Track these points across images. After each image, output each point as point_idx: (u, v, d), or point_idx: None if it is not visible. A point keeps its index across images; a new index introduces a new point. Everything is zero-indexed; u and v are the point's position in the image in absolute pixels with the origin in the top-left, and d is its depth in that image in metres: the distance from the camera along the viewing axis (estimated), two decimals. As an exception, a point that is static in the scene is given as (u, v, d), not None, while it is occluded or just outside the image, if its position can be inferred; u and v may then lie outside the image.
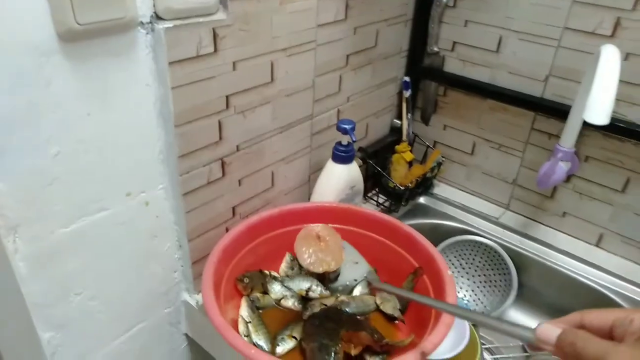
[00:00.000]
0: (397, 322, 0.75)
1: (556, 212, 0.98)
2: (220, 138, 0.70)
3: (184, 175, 0.67)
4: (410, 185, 0.98)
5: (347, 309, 0.75)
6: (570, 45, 0.85)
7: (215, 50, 0.63)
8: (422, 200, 1.09)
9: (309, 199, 0.92)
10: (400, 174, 1.04)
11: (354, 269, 0.78)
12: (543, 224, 1.01)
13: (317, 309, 0.74)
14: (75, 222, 0.60)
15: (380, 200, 1.04)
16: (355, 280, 0.77)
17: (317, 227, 0.79)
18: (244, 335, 0.68)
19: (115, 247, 0.65)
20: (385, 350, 0.68)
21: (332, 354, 0.63)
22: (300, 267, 0.82)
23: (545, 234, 0.99)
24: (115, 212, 0.63)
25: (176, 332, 0.82)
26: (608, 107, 0.62)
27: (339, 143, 0.83)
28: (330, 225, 0.82)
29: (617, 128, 0.83)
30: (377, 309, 0.76)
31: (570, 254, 0.95)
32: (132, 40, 0.56)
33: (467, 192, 1.10)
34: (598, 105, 0.62)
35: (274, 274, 0.80)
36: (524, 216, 1.03)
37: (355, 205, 0.83)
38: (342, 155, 0.82)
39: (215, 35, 0.62)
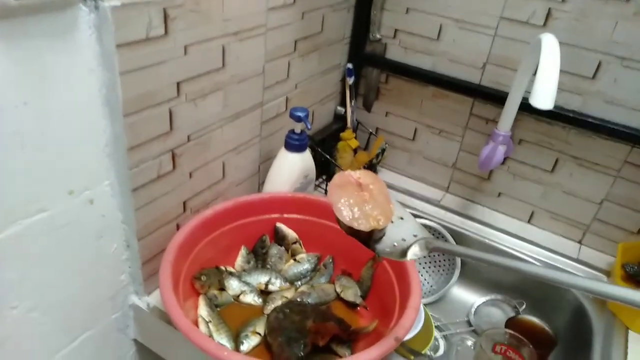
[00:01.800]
0: (358, 308, 0.75)
1: (492, 193, 1.04)
2: (171, 128, 0.65)
3: (134, 169, 0.61)
4: (358, 172, 0.98)
5: (308, 300, 0.74)
6: (506, 34, 0.90)
7: (166, 32, 0.58)
8: (367, 186, 1.11)
9: (258, 189, 0.90)
10: (347, 161, 1.04)
11: (400, 226, 0.58)
12: (480, 205, 1.06)
13: (278, 302, 0.73)
14: (10, 227, 0.52)
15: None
16: (404, 240, 0.56)
17: (357, 173, 0.58)
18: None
19: (56, 251, 0.59)
20: (352, 338, 0.68)
21: (302, 346, 0.62)
22: (257, 260, 0.80)
23: (483, 214, 1.05)
24: (56, 212, 0.57)
25: (124, 338, 0.76)
26: (552, 92, 0.66)
27: (292, 131, 0.81)
28: (286, 215, 0.80)
29: (547, 112, 0.89)
30: (338, 297, 0.76)
31: (506, 231, 1.01)
32: (73, 19, 0.50)
33: (409, 177, 1.13)
34: (543, 91, 0.66)
35: (230, 269, 0.77)
36: (463, 198, 1.08)
37: (310, 194, 0.82)
38: (295, 144, 0.80)
39: (166, 16, 0.57)
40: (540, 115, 0.92)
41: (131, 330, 0.76)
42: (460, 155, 1.04)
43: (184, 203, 0.73)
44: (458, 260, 1.00)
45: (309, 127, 0.78)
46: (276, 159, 0.83)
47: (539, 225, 1.02)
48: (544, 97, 0.66)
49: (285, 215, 0.80)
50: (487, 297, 1.00)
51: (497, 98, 0.92)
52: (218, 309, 0.71)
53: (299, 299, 0.74)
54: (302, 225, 0.80)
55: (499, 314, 0.98)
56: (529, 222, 1.03)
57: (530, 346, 0.75)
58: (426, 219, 1.03)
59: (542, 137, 0.94)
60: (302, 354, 0.62)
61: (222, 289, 0.73)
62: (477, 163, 0.93)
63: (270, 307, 0.72)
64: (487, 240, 1.00)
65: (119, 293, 0.71)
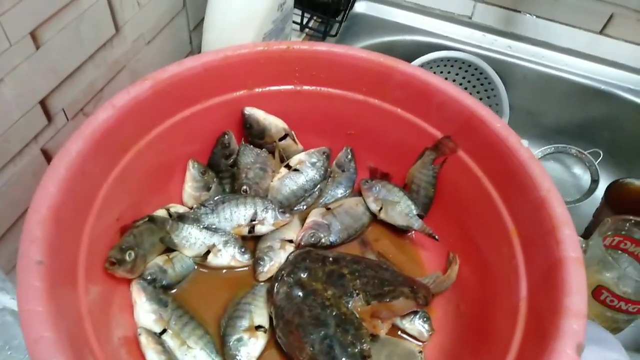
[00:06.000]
0: (413, 234, 0.44)
1: (549, -7, 0.68)
2: None
3: None
4: (354, -16, 0.58)
5: (330, 238, 0.42)
6: None
7: None
8: (358, 8, 0.70)
9: (191, 48, 0.49)
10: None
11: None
12: (531, 15, 0.70)
13: (280, 256, 0.40)
14: None
15: (304, 19, 0.63)
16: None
17: None
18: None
19: None
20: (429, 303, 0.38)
21: (361, 357, 0.32)
22: (221, 180, 0.44)
23: (536, 29, 0.70)
24: None
25: None
26: None
27: None
28: (258, 89, 0.42)
29: None
30: (374, 219, 0.44)
31: (570, 50, 0.69)
32: None
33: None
34: None
35: (177, 208, 0.42)
36: (504, 7, 0.71)
37: (299, 41, 0.43)
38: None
39: None
40: None
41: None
42: None
43: (43, 103, 0.33)
44: (504, 102, 0.70)
45: None
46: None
47: (617, 35, 0.69)
48: None
49: (257, 90, 0.42)
50: (548, 147, 0.71)
51: None
52: (172, 293, 0.38)
53: (312, 239, 0.41)
54: (291, 102, 0.43)
55: (567, 173, 0.71)
56: (602, 32, 0.69)
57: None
58: (453, 49, 0.69)
59: None
60: (362, 374, 0.32)
61: (171, 249, 0.39)
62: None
63: (267, 268, 0.39)
64: (542, 68, 0.69)
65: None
